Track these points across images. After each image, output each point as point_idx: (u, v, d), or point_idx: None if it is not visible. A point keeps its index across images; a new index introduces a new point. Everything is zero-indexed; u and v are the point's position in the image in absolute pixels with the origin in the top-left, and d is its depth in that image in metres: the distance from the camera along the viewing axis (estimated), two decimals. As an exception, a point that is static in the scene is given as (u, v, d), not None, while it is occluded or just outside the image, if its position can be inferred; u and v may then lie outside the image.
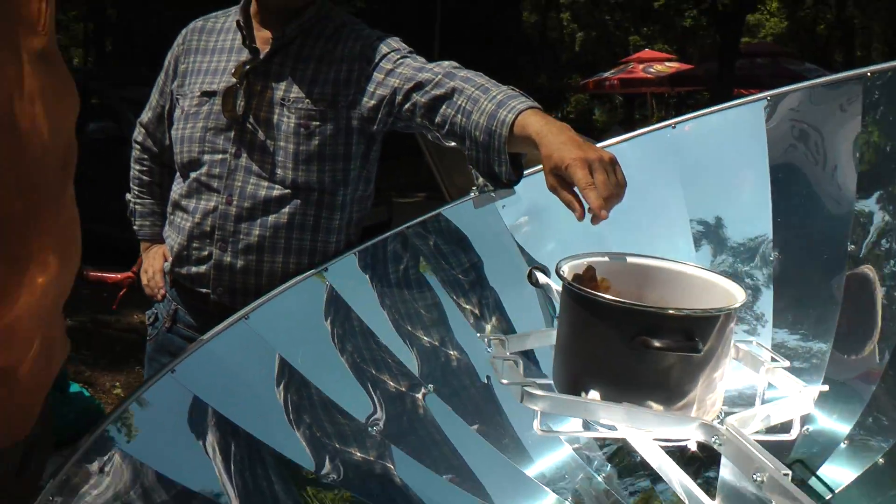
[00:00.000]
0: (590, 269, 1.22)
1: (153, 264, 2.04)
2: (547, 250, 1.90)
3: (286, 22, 1.82)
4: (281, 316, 1.68)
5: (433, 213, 1.95)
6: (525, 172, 1.63)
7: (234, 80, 1.79)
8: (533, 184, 1.62)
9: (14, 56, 1.00)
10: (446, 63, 1.73)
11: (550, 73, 29.32)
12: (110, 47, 22.61)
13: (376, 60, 1.78)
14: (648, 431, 1.07)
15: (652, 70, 18.00)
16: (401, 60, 1.76)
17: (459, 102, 1.64)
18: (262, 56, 1.82)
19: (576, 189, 1.36)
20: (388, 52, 1.78)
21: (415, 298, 1.84)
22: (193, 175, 1.84)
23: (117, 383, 4.64)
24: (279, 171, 1.78)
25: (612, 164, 1.38)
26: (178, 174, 1.92)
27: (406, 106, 1.72)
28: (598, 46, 33.41)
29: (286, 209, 1.79)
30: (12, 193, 1.01)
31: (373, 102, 1.77)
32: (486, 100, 1.60)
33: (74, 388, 3.18)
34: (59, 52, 1.14)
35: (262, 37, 1.86)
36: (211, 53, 1.90)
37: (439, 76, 1.69)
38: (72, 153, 1.14)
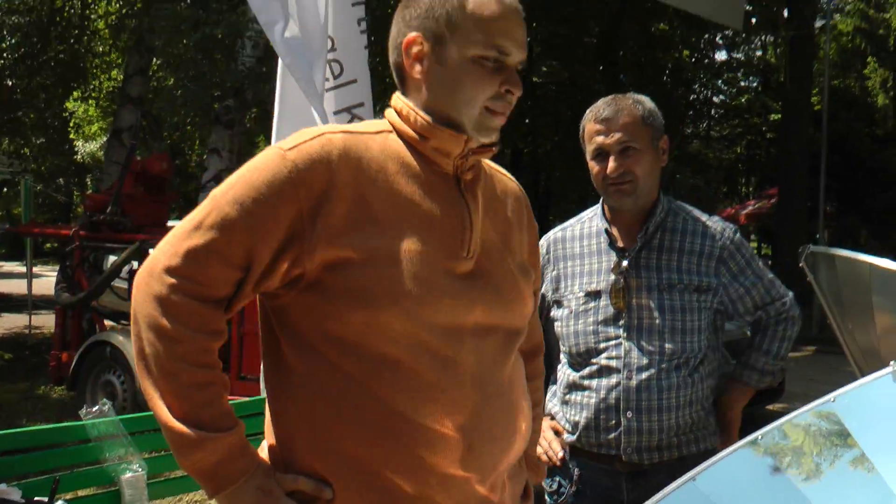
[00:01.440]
0: None
1: (546, 436, 2.27)
2: None
3: (643, 222, 2.18)
4: (722, 479, 1.79)
5: (857, 383, 1.85)
6: None
7: (613, 276, 2.16)
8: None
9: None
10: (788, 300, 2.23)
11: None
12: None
13: (737, 269, 2.19)
14: None
15: None
16: (757, 279, 2.20)
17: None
18: (631, 253, 2.17)
19: None
20: (748, 266, 2.21)
21: (844, 479, 1.80)
22: (594, 360, 2.17)
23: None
24: (668, 345, 2.12)
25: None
26: (567, 362, 2.26)
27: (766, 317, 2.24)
28: None
29: (674, 373, 2.12)
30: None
31: (738, 303, 2.21)
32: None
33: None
34: (489, 263, 1.45)
35: (623, 236, 2.21)
36: (580, 258, 2.25)
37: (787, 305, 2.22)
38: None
